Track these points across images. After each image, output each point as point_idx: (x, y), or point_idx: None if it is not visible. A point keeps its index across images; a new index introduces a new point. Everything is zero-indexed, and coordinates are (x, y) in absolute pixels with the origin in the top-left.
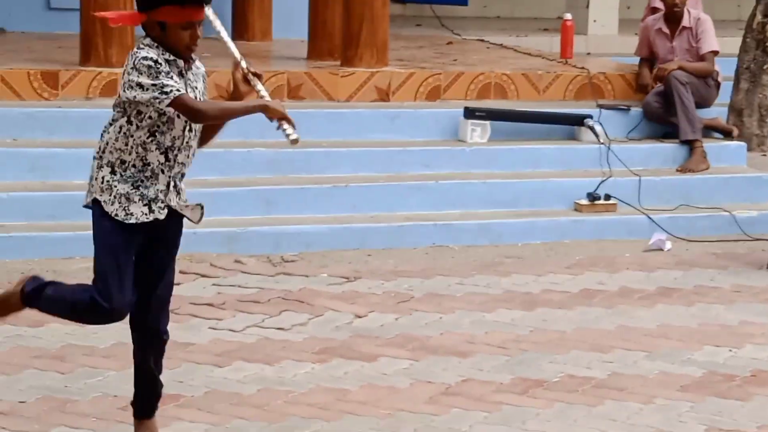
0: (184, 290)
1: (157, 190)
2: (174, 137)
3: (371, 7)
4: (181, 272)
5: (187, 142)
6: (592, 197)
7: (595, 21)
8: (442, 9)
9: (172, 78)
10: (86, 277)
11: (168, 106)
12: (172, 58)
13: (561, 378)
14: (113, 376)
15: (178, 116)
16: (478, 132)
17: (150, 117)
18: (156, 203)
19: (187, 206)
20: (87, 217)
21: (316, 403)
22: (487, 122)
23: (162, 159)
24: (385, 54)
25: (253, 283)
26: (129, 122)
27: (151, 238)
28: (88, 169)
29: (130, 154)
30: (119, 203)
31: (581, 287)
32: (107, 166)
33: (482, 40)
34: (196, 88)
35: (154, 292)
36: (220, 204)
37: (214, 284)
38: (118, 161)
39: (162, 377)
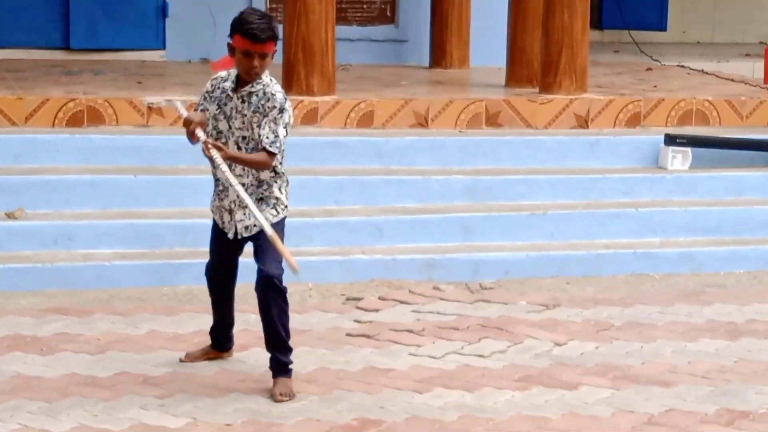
0: (383, 316)
1: (230, 201)
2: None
3: (570, 34)
4: (380, 298)
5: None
6: None
7: None
8: (641, 35)
9: (200, 104)
10: None
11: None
12: (228, 86)
13: None
14: (315, 401)
15: (230, 137)
16: (679, 159)
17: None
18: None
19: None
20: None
21: (516, 430)
22: (689, 149)
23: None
24: (585, 80)
25: (451, 310)
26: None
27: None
28: (291, 197)
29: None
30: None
31: None
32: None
33: (682, 66)
34: (245, 114)
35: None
36: (419, 231)
37: (413, 311)
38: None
39: (362, 401)
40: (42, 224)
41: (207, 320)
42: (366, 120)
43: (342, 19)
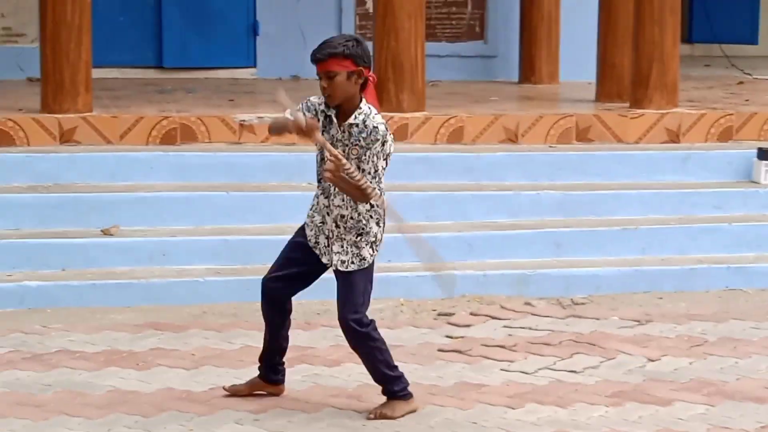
0: (475, 332)
1: (328, 229)
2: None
3: (661, 48)
4: (472, 314)
5: (334, 189)
6: None
7: None
8: (732, 48)
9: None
10: (379, 317)
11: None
12: (331, 113)
13: None
14: (409, 416)
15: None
16: None
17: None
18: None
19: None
20: (380, 259)
21: None
22: None
23: (326, 203)
24: (675, 95)
25: (543, 326)
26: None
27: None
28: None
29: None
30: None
31: None
32: None
33: None
34: (347, 145)
35: None
36: (510, 246)
37: (504, 326)
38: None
39: (455, 416)
40: (137, 241)
41: (301, 335)
42: (456, 136)
43: (431, 35)
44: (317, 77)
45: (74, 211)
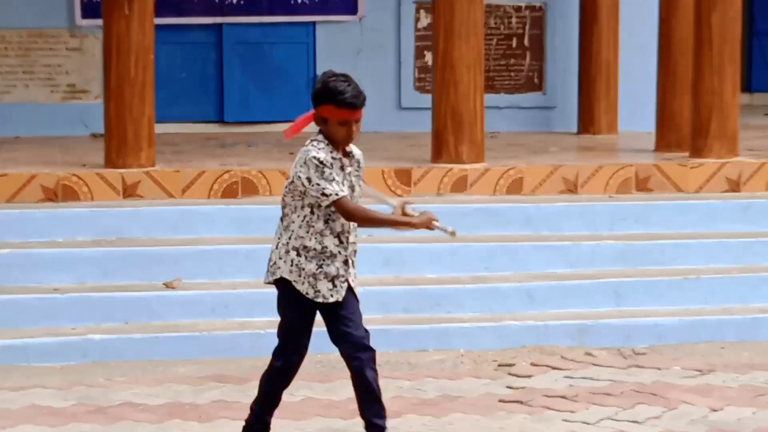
0: (536, 382)
1: (337, 267)
2: (342, 223)
3: (720, 97)
4: (532, 364)
5: (354, 226)
6: None
7: None
8: None
9: (333, 180)
10: (440, 368)
11: (327, 207)
12: (337, 156)
13: None
14: None
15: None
16: None
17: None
18: (338, 279)
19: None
20: (440, 310)
21: None
22: None
23: (336, 242)
24: (735, 144)
25: (605, 376)
26: (312, 213)
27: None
28: (441, 262)
29: (310, 240)
30: (308, 283)
31: None
32: (293, 250)
33: None
34: (358, 175)
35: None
36: (570, 296)
37: (565, 376)
38: (302, 246)
39: None
40: (199, 293)
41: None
42: (515, 187)
43: (490, 87)
44: (342, 123)
45: (137, 264)
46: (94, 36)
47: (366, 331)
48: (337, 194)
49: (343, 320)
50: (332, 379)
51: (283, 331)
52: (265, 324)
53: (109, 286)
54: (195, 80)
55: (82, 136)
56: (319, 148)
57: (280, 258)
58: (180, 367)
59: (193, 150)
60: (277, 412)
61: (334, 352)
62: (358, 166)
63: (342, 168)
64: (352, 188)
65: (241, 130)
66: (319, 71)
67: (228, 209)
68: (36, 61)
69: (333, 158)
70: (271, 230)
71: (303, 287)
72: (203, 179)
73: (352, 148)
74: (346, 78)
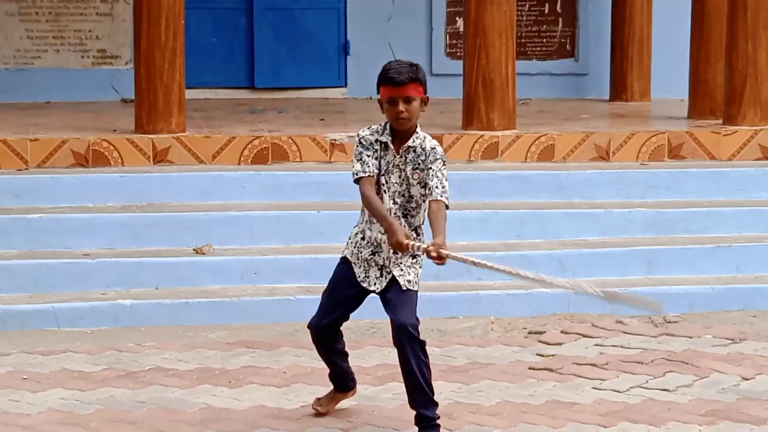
0: (566, 350)
1: (385, 257)
2: (388, 209)
3: (755, 65)
4: (563, 332)
5: (394, 213)
6: None
7: None
8: None
9: (360, 159)
10: (470, 335)
11: (355, 182)
12: (385, 139)
13: None
14: None
15: (386, 191)
16: None
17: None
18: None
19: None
20: (471, 278)
21: None
22: None
23: (381, 229)
24: None
25: (635, 344)
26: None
27: None
28: (472, 229)
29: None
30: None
31: None
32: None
33: None
34: (404, 170)
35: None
36: (602, 264)
37: (596, 344)
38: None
39: None
40: (229, 259)
41: (391, 354)
42: (547, 154)
43: (521, 53)
44: (391, 102)
45: (167, 230)
46: (124, 1)
47: (416, 318)
48: (356, 173)
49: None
50: (362, 345)
51: None
52: (294, 290)
53: (139, 251)
54: (225, 46)
55: (112, 101)
56: (370, 128)
57: None
58: (210, 332)
59: (223, 116)
60: (306, 378)
61: (364, 319)
62: (423, 159)
63: (385, 150)
64: (385, 176)
65: (271, 96)
66: (350, 37)
67: (258, 175)
68: (66, 26)
69: (377, 140)
70: (301, 196)
71: None
72: (233, 145)
73: (420, 141)
74: (403, 62)
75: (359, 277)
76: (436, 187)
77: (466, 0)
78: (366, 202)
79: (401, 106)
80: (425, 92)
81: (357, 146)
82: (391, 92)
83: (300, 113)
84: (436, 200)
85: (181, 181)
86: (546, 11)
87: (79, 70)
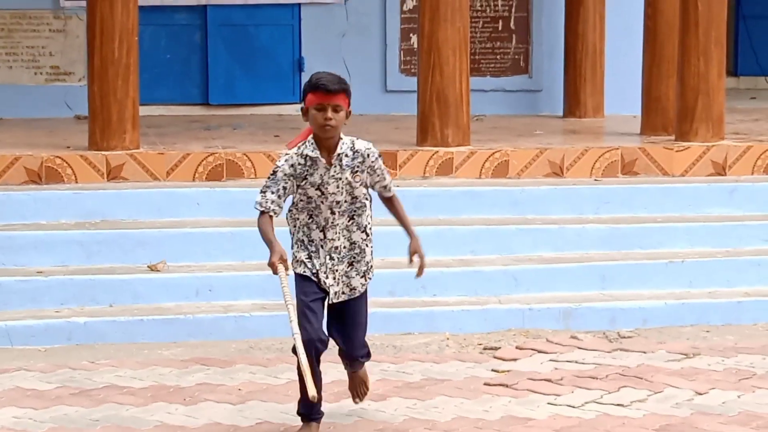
0: (521, 365)
1: (320, 263)
2: (326, 218)
3: (706, 81)
4: (517, 348)
5: (332, 222)
6: None
7: None
8: None
9: (267, 199)
10: (425, 351)
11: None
12: (314, 155)
13: None
14: None
15: (323, 202)
16: None
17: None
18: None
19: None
20: (426, 294)
21: None
22: None
23: (321, 236)
24: (721, 127)
25: (590, 359)
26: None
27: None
28: (426, 245)
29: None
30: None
31: None
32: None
33: None
34: (341, 177)
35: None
36: (555, 280)
37: (551, 360)
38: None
39: None
40: (184, 276)
41: (345, 372)
42: (501, 170)
43: (475, 70)
44: (319, 109)
45: (121, 247)
46: (77, 17)
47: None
48: (257, 204)
49: None
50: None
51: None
52: (249, 307)
53: (93, 268)
54: (179, 62)
55: (66, 118)
56: (287, 154)
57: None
58: (164, 349)
59: (177, 132)
60: (262, 395)
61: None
62: (362, 161)
63: (314, 165)
64: (320, 190)
65: (226, 112)
66: (305, 54)
67: (213, 192)
68: (19, 42)
69: (303, 155)
70: (256, 213)
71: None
72: (188, 162)
73: (349, 145)
74: (330, 72)
75: (324, 279)
76: (388, 183)
77: (420, 16)
78: (259, 228)
79: (329, 113)
80: (349, 105)
81: (269, 176)
82: (321, 99)
83: (254, 129)
84: (393, 197)
85: (136, 197)
86: (500, 28)
87: (32, 86)
